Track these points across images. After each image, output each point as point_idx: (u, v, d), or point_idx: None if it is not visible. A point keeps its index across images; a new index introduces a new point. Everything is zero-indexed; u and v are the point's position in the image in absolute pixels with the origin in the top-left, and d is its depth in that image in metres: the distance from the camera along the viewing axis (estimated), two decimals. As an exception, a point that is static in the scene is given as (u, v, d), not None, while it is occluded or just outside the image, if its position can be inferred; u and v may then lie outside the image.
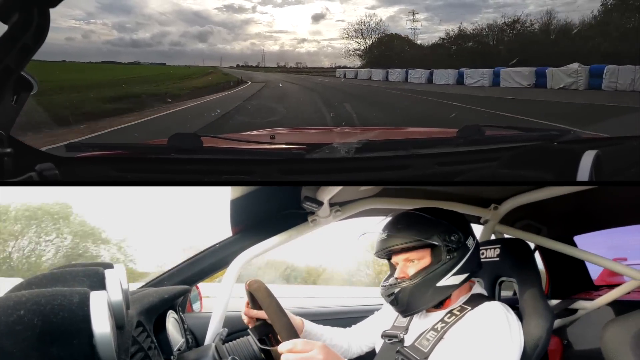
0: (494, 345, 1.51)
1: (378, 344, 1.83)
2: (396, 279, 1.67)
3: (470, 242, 1.66)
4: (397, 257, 1.68)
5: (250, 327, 1.78)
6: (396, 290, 1.64)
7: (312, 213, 1.93)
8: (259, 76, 30.08)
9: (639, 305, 1.72)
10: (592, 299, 2.26)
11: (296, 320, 1.84)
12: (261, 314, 1.76)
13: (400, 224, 1.67)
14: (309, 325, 1.91)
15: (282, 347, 1.42)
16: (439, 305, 1.67)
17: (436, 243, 1.61)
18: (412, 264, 1.65)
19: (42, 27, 1.39)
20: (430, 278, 1.61)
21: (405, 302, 1.63)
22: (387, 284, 1.68)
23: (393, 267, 1.72)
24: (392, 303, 1.67)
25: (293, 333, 1.51)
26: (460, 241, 1.63)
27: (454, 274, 1.61)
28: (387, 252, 1.69)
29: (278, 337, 1.58)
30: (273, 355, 1.64)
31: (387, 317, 1.87)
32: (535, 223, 2.57)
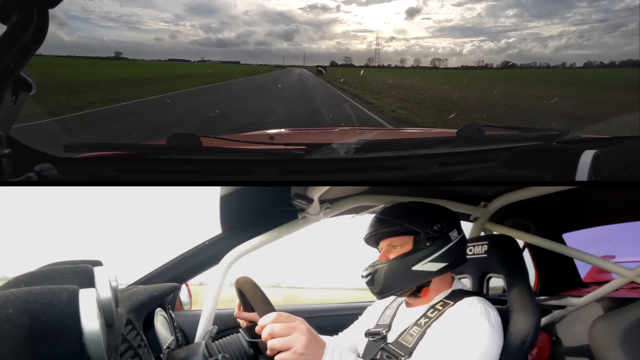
0: (469, 340, 1.51)
1: (362, 344, 1.83)
2: (377, 261, 1.71)
3: (453, 235, 1.69)
4: (382, 243, 1.72)
5: (242, 327, 1.78)
6: (372, 270, 1.68)
7: (302, 210, 1.93)
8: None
9: (627, 302, 1.73)
10: (580, 296, 2.28)
11: None
12: (252, 316, 1.76)
13: (390, 210, 1.72)
14: None
15: (265, 319, 1.41)
16: (416, 293, 1.70)
17: (418, 229, 1.65)
18: (394, 249, 1.69)
19: (41, 27, 1.39)
20: (407, 261, 1.65)
21: (381, 282, 1.67)
22: (368, 265, 1.71)
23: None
24: (368, 283, 1.70)
25: None
26: (442, 231, 1.67)
27: (431, 261, 1.65)
28: (374, 236, 1.73)
29: None
30: (261, 348, 1.64)
31: (370, 319, 1.88)
32: (524, 221, 2.59)
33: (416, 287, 1.68)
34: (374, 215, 1.75)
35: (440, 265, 1.66)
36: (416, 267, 1.64)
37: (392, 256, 1.68)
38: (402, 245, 1.68)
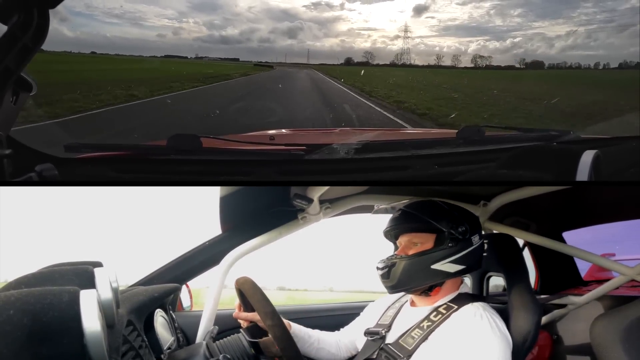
0: (477, 350, 1.50)
1: (360, 342, 1.83)
2: (395, 254, 1.71)
3: (475, 239, 1.70)
4: (402, 238, 1.73)
5: (242, 328, 1.79)
6: (390, 263, 1.68)
7: (302, 210, 1.93)
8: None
9: (627, 300, 1.73)
10: (581, 295, 2.28)
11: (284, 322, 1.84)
12: (252, 316, 1.76)
13: (415, 206, 1.74)
14: (297, 328, 1.91)
15: None
16: (428, 291, 1.70)
17: (443, 229, 1.66)
18: (414, 246, 1.69)
19: (42, 27, 1.39)
20: (427, 258, 1.65)
21: (397, 277, 1.67)
22: (385, 258, 1.71)
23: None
24: (383, 276, 1.70)
25: (282, 327, 1.58)
26: (465, 234, 1.67)
27: (451, 262, 1.65)
28: (396, 229, 1.74)
29: (269, 334, 1.60)
30: (262, 347, 1.64)
31: (371, 317, 1.88)
32: (524, 219, 2.58)
33: (429, 286, 1.69)
34: (398, 210, 1.76)
35: (459, 267, 1.66)
36: (435, 266, 1.65)
37: (411, 252, 1.68)
38: (422, 242, 1.68)
